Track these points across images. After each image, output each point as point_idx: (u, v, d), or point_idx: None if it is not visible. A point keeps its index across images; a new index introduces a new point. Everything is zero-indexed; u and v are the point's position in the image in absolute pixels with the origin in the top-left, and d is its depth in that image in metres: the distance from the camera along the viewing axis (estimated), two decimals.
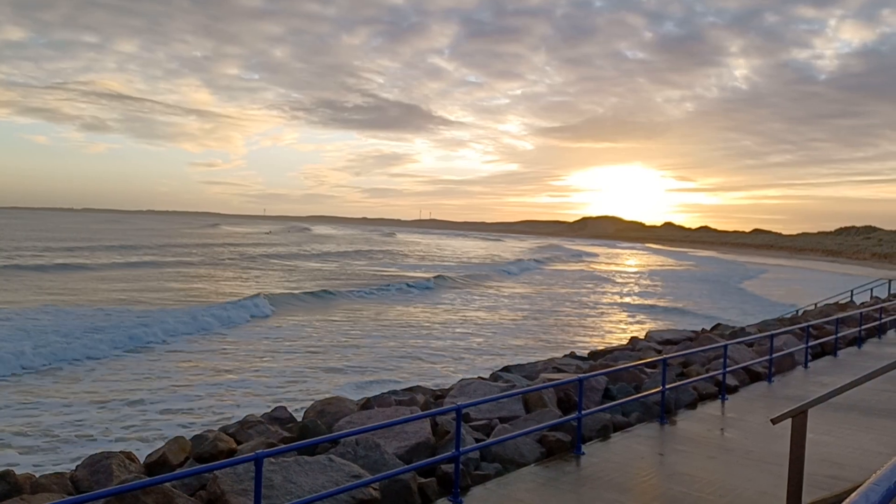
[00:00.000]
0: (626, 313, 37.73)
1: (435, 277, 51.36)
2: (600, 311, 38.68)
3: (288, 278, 51.26)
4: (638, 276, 70.43)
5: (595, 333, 29.94)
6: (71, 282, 42.94)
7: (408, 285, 45.82)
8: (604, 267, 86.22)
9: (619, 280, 64.20)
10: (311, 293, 38.90)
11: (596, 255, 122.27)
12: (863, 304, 29.39)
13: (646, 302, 43.68)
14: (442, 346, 25.51)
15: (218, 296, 37.47)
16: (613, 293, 49.98)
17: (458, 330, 29.56)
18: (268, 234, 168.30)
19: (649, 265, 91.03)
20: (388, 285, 45.05)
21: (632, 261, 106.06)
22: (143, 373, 19.47)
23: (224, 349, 23.47)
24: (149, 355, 21.93)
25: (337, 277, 52.96)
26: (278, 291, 38.83)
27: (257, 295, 34.65)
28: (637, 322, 33.97)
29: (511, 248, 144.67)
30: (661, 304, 42.76)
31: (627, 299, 45.45)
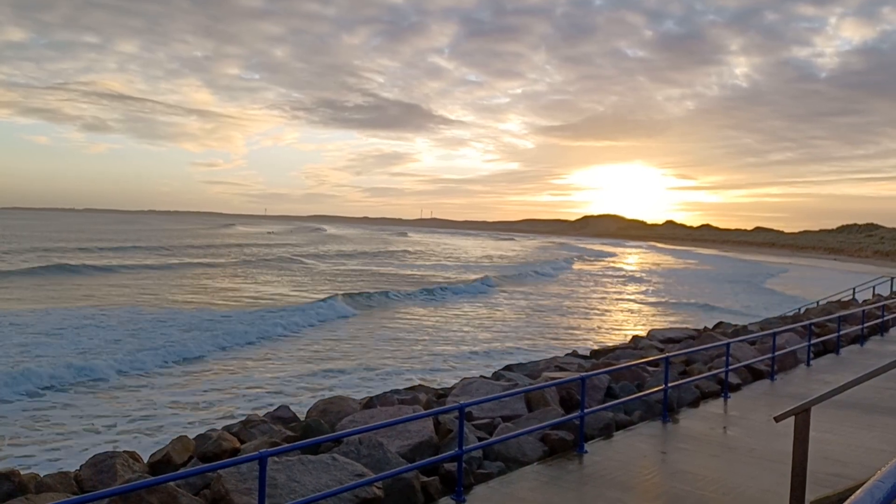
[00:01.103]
0: (684, 312, 37.88)
1: (482, 279, 51.61)
2: (654, 309, 39.36)
3: (338, 279, 51.39)
4: (664, 275, 69.94)
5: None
6: (128, 283, 43.71)
7: (463, 287, 46.22)
8: (625, 266, 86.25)
9: (648, 279, 64.09)
10: (375, 294, 39.04)
11: (613, 254, 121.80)
12: (865, 301, 29.36)
13: (690, 301, 43.67)
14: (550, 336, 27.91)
15: (286, 297, 38.06)
16: (651, 292, 50.22)
17: (545, 323, 32.03)
18: (269, 234, 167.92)
19: (666, 264, 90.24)
20: (444, 286, 45.55)
21: (647, 260, 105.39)
22: (320, 349, 23.71)
23: (354, 335, 26.57)
24: (298, 341, 25.08)
25: (385, 279, 53.11)
26: (343, 292, 38.99)
27: (333, 296, 35.53)
28: (695, 319, 33.78)
29: (526, 247, 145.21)
30: (704, 302, 42.68)
31: (668, 298, 45.71)
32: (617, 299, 44.57)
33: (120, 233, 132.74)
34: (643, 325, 31.83)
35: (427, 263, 76.55)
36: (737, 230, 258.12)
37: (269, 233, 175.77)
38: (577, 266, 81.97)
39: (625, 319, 34.83)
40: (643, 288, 53.91)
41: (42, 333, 23.83)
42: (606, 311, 38.33)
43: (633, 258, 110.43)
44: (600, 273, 71.01)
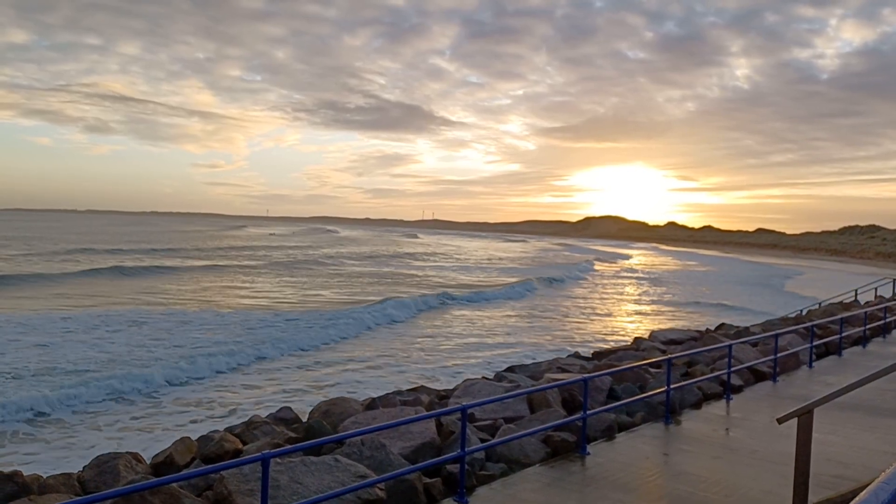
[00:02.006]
0: (723, 314, 37.92)
1: (522, 282, 52.02)
2: (691, 310, 39.78)
3: (379, 282, 51.51)
4: (684, 278, 69.66)
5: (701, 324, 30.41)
6: (185, 284, 44.58)
7: (508, 290, 46.49)
8: (643, 268, 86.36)
9: (672, 281, 64.04)
10: (429, 296, 39.24)
11: (626, 255, 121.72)
12: (867, 303, 29.33)
13: (720, 301, 43.88)
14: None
15: (340, 299, 38.91)
16: (680, 294, 50.38)
17: (603, 323, 33.92)
18: (271, 235, 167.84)
19: (680, 267, 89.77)
20: (490, 289, 46.26)
21: (659, 262, 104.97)
22: (409, 337, 26.77)
23: (438, 330, 28.74)
24: (394, 330, 28.21)
25: (425, 281, 53.58)
26: (398, 296, 39.04)
27: (388, 299, 36.07)
28: (729, 320, 33.96)
29: (538, 248, 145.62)
30: (738, 304, 42.74)
31: (699, 299, 45.85)
32: (654, 301, 45.20)
33: (139, 234, 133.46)
34: (687, 324, 32.07)
35: (455, 265, 76.68)
36: (738, 232, 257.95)
37: (270, 234, 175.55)
38: (598, 268, 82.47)
39: (671, 319, 35.52)
40: (671, 290, 54.10)
41: (154, 333, 24.99)
42: (648, 312, 39.16)
43: (645, 260, 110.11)
44: (623, 275, 71.02)
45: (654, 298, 46.90)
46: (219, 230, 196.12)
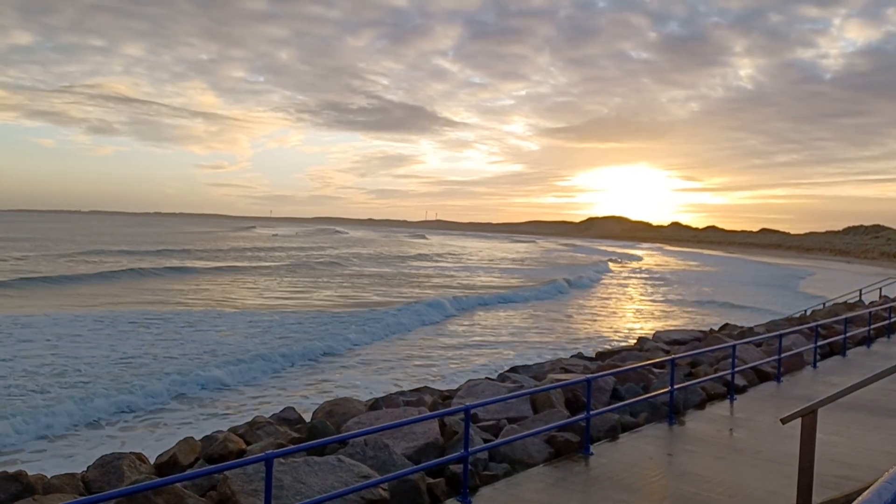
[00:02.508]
0: (737, 312, 38.38)
1: (552, 282, 52.37)
2: (715, 310, 40.17)
3: (406, 283, 51.70)
4: (698, 279, 69.19)
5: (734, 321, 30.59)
6: (221, 285, 44.79)
7: (540, 290, 47.02)
8: (655, 268, 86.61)
9: (687, 282, 63.83)
10: (465, 297, 39.83)
11: (637, 256, 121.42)
12: (871, 303, 29.25)
13: (741, 303, 43.97)
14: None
15: (374, 299, 39.45)
16: (700, 294, 50.36)
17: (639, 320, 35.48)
18: (274, 236, 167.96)
19: (691, 268, 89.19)
20: (525, 289, 46.90)
21: (670, 263, 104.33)
22: (488, 326, 30.42)
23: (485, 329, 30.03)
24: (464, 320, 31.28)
25: (455, 281, 53.84)
26: (430, 295, 40.11)
27: (440, 298, 37.42)
28: (755, 320, 34.25)
29: (549, 249, 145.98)
30: (748, 304, 42.98)
31: (717, 299, 46.01)
32: (676, 300, 45.48)
33: (149, 236, 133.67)
34: (715, 322, 32.14)
35: (474, 266, 76.72)
36: (742, 232, 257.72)
37: (273, 235, 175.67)
38: (613, 268, 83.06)
39: (697, 318, 36.11)
40: (689, 290, 54.11)
41: (239, 330, 26.11)
42: (675, 311, 39.70)
43: (656, 260, 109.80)
44: (640, 276, 70.96)
45: (677, 298, 47.03)
46: (227, 231, 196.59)
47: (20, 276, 43.61)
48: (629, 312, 38.71)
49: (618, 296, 48.50)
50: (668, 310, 40.44)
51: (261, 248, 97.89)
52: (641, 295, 49.57)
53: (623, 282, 62.30)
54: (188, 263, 61.31)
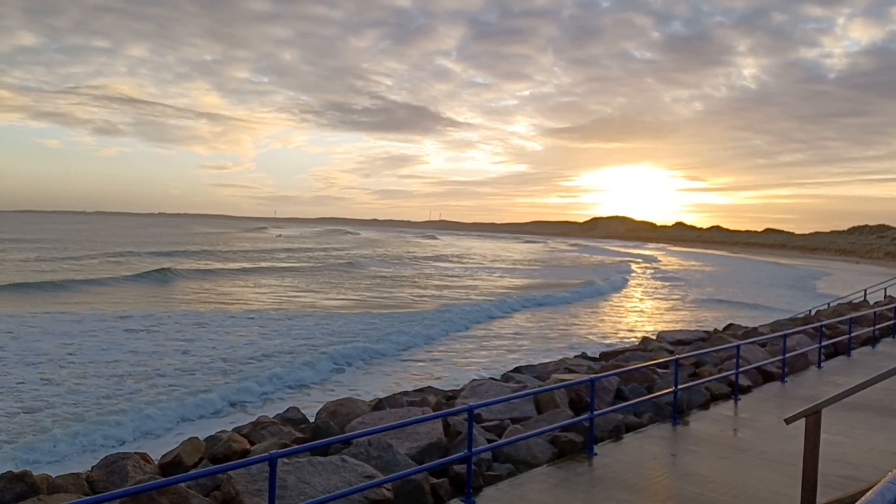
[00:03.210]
0: (767, 312, 38.57)
1: (586, 283, 53.28)
2: (745, 310, 40.34)
3: (448, 284, 52.63)
4: (713, 279, 69.30)
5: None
6: (266, 288, 45.64)
7: (580, 291, 48.20)
8: (673, 269, 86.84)
9: (704, 282, 63.98)
10: (509, 298, 40.95)
11: (653, 257, 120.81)
12: (877, 303, 29.17)
13: (767, 304, 44.13)
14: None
15: (419, 299, 41.17)
16: (727, 294, 50.46)
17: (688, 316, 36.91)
18: (278, 237, 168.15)
19: (704, 268, 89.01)
20: (561, 290, 47.85)
21: (683, 263, 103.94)
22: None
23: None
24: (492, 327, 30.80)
25: (483, 284, 54.23)
26: (470, 298, 41.93)
27: (506, 297, 40.44)
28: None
29: (561, 250, 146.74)
30: (772, 305, 43.06)
31: (742, 299, 46.26)
32: (706, 300, 45.75)
33: (164, 237, 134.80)
34: (748, 321, 32.46)
35: (498, 268, 76.72)
36: (747, 232, 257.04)
37: (277, 236, 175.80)
38: (635, 268, 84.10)
39: (732, 316, 36.18)
40: (714, 290, 54.10)
41: (316, 327, 28.07)
42: (705, 310, 40.43)
43: (672, 261, 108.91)
44: (662, 277, 70.53)
45: (704, 298, 47.23)
46: (239, 232, 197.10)
47: (79, 279, 44.77)
48: (670, 311, 39.67)
49: (653, 296, 49.24)
50: (701, 309, 40.90)
51: (280, 250, 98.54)
52: (671, 295, 49.92)
53: (650, 282, 62.22)
54: (220, 265, 62.47)
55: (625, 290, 52.98)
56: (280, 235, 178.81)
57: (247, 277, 52.76)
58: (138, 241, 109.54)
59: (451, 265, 78.72)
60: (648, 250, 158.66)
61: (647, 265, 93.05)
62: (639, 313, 38.42)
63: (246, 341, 24.17)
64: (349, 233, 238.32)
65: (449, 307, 34.95)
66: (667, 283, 61.35)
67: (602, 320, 34.56)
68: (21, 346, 21.96)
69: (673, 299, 46.81)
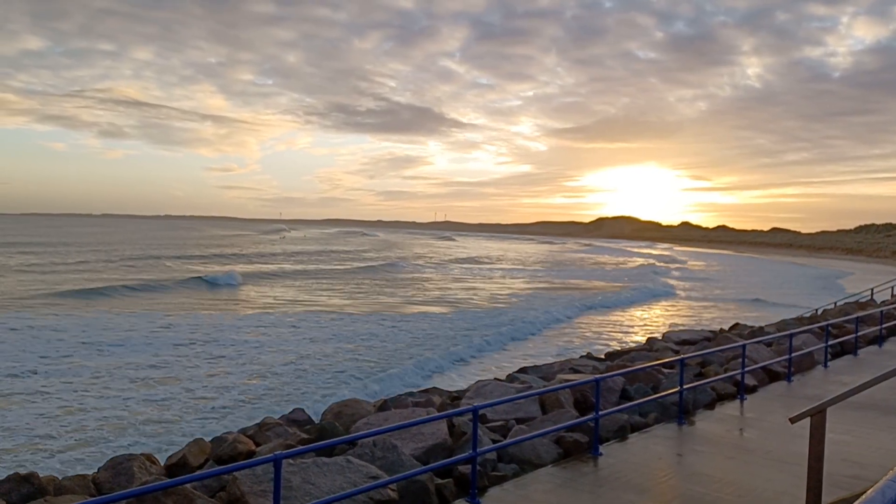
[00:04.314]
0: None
1: (639, 287, 53.82)
2: (778, 310, 40.56)
3: (509, 285, 54.72)
4: (738, 279, 69.11)
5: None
6: (337, 289, 47.40)
7: (639, 292, 49.96)
8: (697, 269, 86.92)
9: (731, 282, 64.13)
10: (585, 299, 43.72)
11: (672, 258, 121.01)
12: (883, 302, 29.04)
13: (799, 304, 44.38)
14: None
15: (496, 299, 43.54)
16: (755, 293, 50.67)
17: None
18: (282, 238, 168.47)
19: (725, 268, 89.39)
20: (615, 292, 49.83)
21: (703, 263, 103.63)
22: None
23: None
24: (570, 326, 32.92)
25: (551, 284, 55.49)
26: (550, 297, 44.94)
27: (570, 296, 44.53)
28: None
29: (577, 250, 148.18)
30: (805, 304, 43.25)
31: (785, 300, 46.24)
32: (750, 300, 45.90)
33: (187, 239, 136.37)
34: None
35: (528, 269, 77.06)
36: (753, 231, 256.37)
37: (281, 237, 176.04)
38: (663, 266, 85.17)
39: (775, 315, 36.83)
40: (747, 290, 54.23)
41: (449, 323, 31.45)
42: (751, 309, 40.90)
43: (693, 262, 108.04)
44: (694, 278, 70.21)
45: (741, 297, 47.64)
46: (258, 234, 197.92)
47: (150, 282, 45.70)
48: (722, 310, 40.20)
49: (701, 297, 49.31)
50: (746, 309, 41.10)
51: (314, 252, 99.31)
52: (715, 295, 50.15)
53: (689, 284, 61.91)
54: (266, 268, 63.44)
55: (673, 290, 52.99)
56: (284, 237, 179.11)
57: (309, 279, 53.63)
58: (168, 244, 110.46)
59: (486, 266, 79.45)
60: (661, 250, 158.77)
61: (672, 265, 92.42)
62: (700, 310, 39.98)
63: (434, 329, 28.98)
64: (365, 234, 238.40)
65: (530, 303, 39.11)
66: (703, 285, 61.37)
67: (673, 316, 36.82)
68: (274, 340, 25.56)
69: (717, 299, 47.20)
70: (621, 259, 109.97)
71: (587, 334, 29.96)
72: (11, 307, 32.10)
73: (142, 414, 15.38)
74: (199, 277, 48.64)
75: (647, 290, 50.95)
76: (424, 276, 62.40)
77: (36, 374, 18.84)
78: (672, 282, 60.82)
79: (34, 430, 14.07)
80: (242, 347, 23.84)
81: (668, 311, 40.37)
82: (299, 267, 67.02)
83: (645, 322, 34.89)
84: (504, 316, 33.81)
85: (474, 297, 43.68)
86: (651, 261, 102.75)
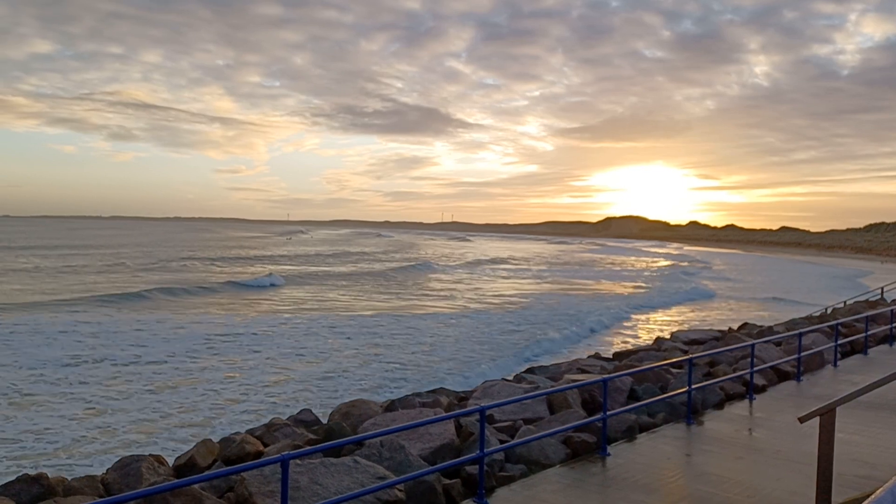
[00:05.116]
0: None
1: (689, 289, 54.05)
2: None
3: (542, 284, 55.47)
4: (764, 279, 68.78)
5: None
6: (394, 290, 47.75)
7: (685, 292, 50.55)
8: (721, 269, 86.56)
9: (756, 282, 63.78)
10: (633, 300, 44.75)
11: (690, 256, 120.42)
12: (894, 301, 28.84)
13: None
14: None
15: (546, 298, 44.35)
16: (782, 293, 50.84)
17: None
18: (288, 239, 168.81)
19: (745, 267, 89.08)
20: (680, 291, 50.88)
21: (721, 263, 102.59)
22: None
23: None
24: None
25: (585, 287, 55.55)
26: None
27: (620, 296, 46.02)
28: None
29: (593, 250, 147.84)
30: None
31: (811, 299, 46.18)
32: (789, 301, 45.71)
33: (208, 241, 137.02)
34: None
35: (557, 270, 76.59)
36: (762, 230, 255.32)
37: (288, 238, 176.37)
38: (684, 265, 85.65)
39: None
40: (782, 290, 53.91)
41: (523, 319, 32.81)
42: (786, 307, 40.89)
43: (714, 261, 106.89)
44: (723, 279, 69.27)
45: (780, 297, 47.48)
46: (277, 235, 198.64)
47: (198, 285, 45.72)
48: (762, 310, 40.04)
49: (744, 296, 49.00)
50: (786, 308, 40.92)
51: (343, 253, 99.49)
52: (754, 296, 49.75)
53: (724, 284, 61.04)
54: (302, 269, 63.82)
55: (711, 291, 52.39)
56: (290, 238, 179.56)
57: (351, 281, 54.01)
58: (195, 246, 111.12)
59: (514, 267, 79.46)
60: (674, 250, 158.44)
61: (697, 266, 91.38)
62: (750, 309, 40.18)
63: (515, 325, 30.49)
64: (381, 235, 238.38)
65: (584, 302, 40.72)
66: (734, 283, 61.00)
67: (727, 314, 37.29)
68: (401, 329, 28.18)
69: (759, 299, 46.98)
70: (643, 259, 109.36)
71: (658, 328, 31.22)
72: (65, 306, 32.91)
73: (222, 415, 15.63)
74: (238, 281, 48.53)
75: (695, 290, 51.03)
76: (461, 276, 62.38)
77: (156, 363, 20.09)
78: (707, 283, 60.08)
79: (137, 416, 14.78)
80: (358, 343, 24.95)
81: (720, 310, 40.31)
82: (334, 269, 66.97)
83: (704, 318, 35.55)
84: (568, 312, 35.15)
85: (526, 297, 43.97)
86: (672, 262, 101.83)
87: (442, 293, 45.88)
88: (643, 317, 36.52)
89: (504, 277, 62.71)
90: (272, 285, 47.18)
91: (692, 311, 39.52)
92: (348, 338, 26.04)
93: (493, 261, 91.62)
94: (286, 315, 32.65)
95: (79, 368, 19.64)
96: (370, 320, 31.20)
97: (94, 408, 15.73)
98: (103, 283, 47.02)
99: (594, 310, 36.44)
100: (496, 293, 46.72)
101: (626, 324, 33.47)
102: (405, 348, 24.19)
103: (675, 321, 34.61)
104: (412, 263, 76.39)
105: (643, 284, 57.45)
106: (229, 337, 25.61)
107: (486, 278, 61.18)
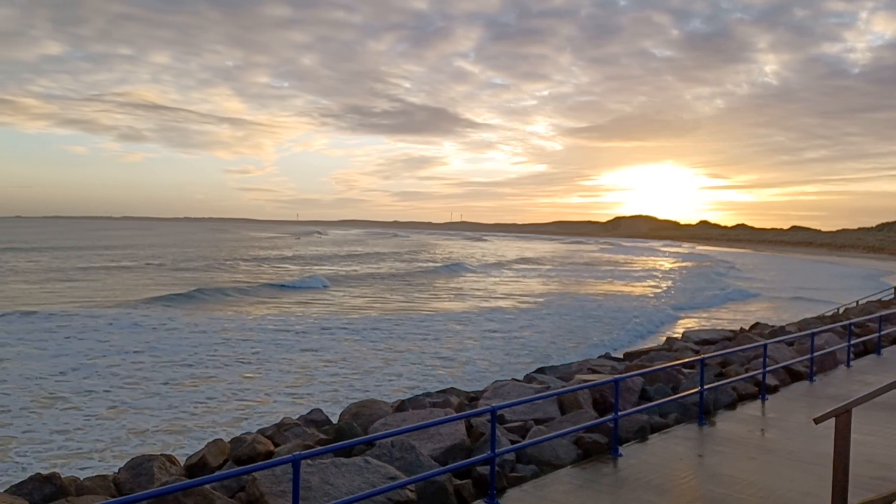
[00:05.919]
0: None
1: (728, 291, 54.37)
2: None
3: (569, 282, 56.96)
4: (788, 279, 68.54)
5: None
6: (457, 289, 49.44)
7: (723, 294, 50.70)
8: (750, 268, 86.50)
9: (783, 283, 63.80)
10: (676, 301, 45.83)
11: (711, 255, 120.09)
12: None
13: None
14: None
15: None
16: (823, 293, 50.82)
17: None
18: (297, 240, 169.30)
19: (766, 267, 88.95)
20: (721, 292, 51.15)
21: (748, 262, 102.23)
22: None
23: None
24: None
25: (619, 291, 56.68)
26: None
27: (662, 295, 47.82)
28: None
29: (609, 250, 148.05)
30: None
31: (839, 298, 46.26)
32: (823, 301, 45.80)
33: (229, 241, 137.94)
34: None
35: (585, 270, 76.78)
36: (773, 229, 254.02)
37: (297, 239, 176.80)
38: (708, 265, 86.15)
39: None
40: (813, 289, 54.14)
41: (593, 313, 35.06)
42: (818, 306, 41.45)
43: (743, 261, 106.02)
44: (754, 280, 68.82)
45: (814, 298, 47.10)
46: (293, 235, 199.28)
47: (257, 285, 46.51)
48: (803, 310, 39.92)
49: (784, 296, 49.38)
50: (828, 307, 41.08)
51: (371, 254, 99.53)
52: (793, 296, 49.83)
53: (760, 284, 60.76)
54: (337, 270, 64.27)
55: (749, 291, 52.26)
56: (299, 238, 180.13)
57: (391, 281, 54.47)
58: (223, 247, 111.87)
59: (542, 267, 79.51)
60: (688, 249, 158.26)
61: (722, 266, 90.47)
62: (797, 308, 40.13)
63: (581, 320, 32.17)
64: (397, 235, 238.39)
65: (632, 301, 42.19)
66: (768, 284, 60.83)
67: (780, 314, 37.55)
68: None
69: (801, 298, 47.36)
70: (663, 260, 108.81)
71: (712, 325, 31.88)
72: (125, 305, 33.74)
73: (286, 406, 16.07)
74: (285, 284, 48.49)
75: (737, 290, 51.52)
76: (497, 277, 62.37)
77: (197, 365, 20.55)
78: (741, 283, 59.65)
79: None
80: (447, 341, 25.80)
81: (765, 310, 40.56)
82: (371, 269, 66.86)
83: (755, 317, 35.16)
84: (625, 311, 36.25)
85: (575, 296, 44.46)
86: (695, 262, 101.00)
87: (495, 293, 46.28)
88: (694, 314, 37.84)
89: (541, 276, 62.73)
90: (324, 287, 47.51)
91: (756, 308, 40.69)
92: (469, 337, 26.87)
93: (519, 260, 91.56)
94: (353, 316, 32.54)
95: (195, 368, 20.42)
96: (457, 315, 32.93)
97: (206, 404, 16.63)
98: (167, 282, 47.93)
99: (645, 309, 37.50)
100: (547, 292, 47.32)
101: (681, 322, 34.17)
102: (530, 338, 26.71)
103: (739, 319, 34.37)
104: (446, 264, 76.44)
105: (682, 285, 57.16)
106: (317, 333, 26.63)
107: (526, 278, 61.08)
